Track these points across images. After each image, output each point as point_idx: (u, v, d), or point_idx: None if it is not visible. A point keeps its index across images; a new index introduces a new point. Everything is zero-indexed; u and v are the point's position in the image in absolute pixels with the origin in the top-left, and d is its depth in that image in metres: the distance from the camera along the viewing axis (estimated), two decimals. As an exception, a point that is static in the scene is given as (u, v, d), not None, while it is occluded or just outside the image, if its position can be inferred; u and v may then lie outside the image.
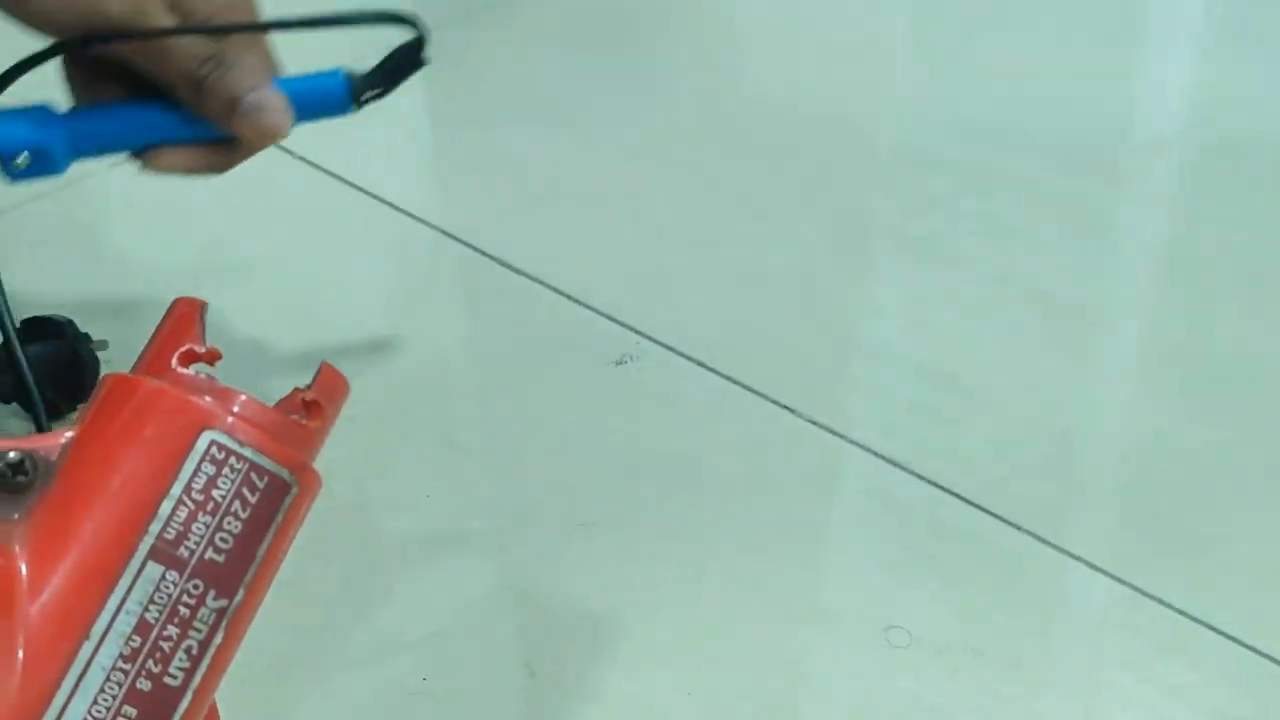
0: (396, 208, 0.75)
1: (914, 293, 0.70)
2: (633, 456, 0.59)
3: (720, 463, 0.59)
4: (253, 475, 0.35)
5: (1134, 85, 0.90)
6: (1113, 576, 0.54)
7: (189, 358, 0.36)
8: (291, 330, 0.66)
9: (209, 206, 0.74)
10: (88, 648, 0.33)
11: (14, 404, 0.58)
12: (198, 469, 0.34)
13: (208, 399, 0.35)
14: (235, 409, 0.35)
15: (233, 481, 0.35)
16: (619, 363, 0.64)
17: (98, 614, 0.33)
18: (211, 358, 0.36)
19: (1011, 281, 0.70)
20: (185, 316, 0.37)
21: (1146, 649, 0.51)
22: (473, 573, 0.55)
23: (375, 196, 0.76)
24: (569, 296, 0.68)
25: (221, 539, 0.34)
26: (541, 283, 0.69)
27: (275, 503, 0.35)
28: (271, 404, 0.36)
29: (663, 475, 0.58)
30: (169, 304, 0.38)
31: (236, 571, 0.35)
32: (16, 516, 0.34)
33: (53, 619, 0.33)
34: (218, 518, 0.34)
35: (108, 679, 0.33)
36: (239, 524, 0.35)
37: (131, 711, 0.34)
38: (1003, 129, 0.83)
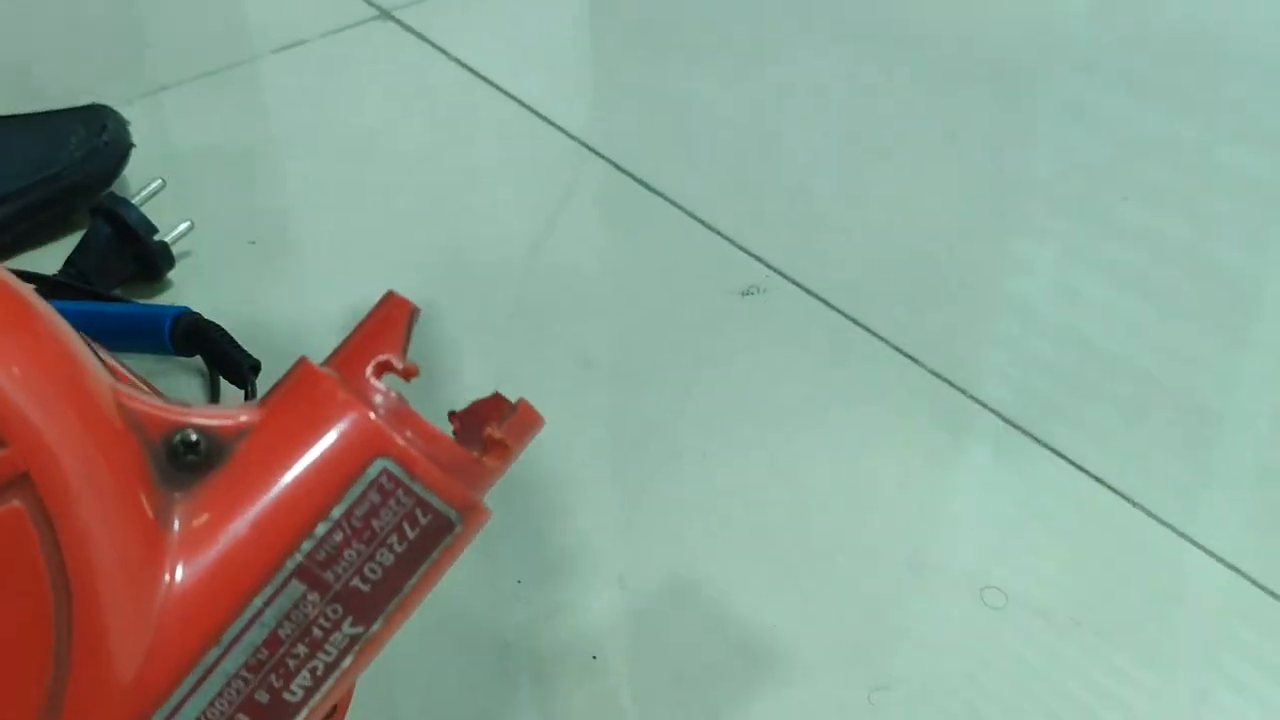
0: (548, 120, 0.75)
1: (1064, 254, 0.68)
2: (750, 388, 0.59)
3: (836, 404, 0.59)
4: (417, 511, 0.33)
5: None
6: (1234, 569, 0.52)
7: (384, 369, 0.34)
8: (430, 232, 0.67)
9: (361, 99, 0.76)
10: (215, 652, 0.32)
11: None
12: (363, 495, 0.33)
13: (391, 422, 0.33)
14: (415, 438, 0.34)
15: (395, 514, 0.33)
16: (745, 293, 0.64)
17: (232, 621, 0.32)
18: (408, 374, 0.34)
19: (1169, 251, 0.67)
20: (393, 320, 0.35)
21: (1261, 640, 0.50)
22: (573, 485, 0.55)
23: (527, 106, 0.76)
24: (703, 222, 0.68)
25: (371, 570, 0.33)
26: (679, 206, 0.69)
27: (434, 541, 0.34)
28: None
29: (778, 409, 0.58)
30: (380, 298, 0.36)
31: (379, 602, 0.34)
32: (177, 496, 0.33)
33: (187, 615, 0.32)
34: (372, 548, 0.33)
35: (228, 685, 0.33)
36: (392, 557, 0.33)
37: (244, 719, 0.33)
38: (1174, 86, 0.79)
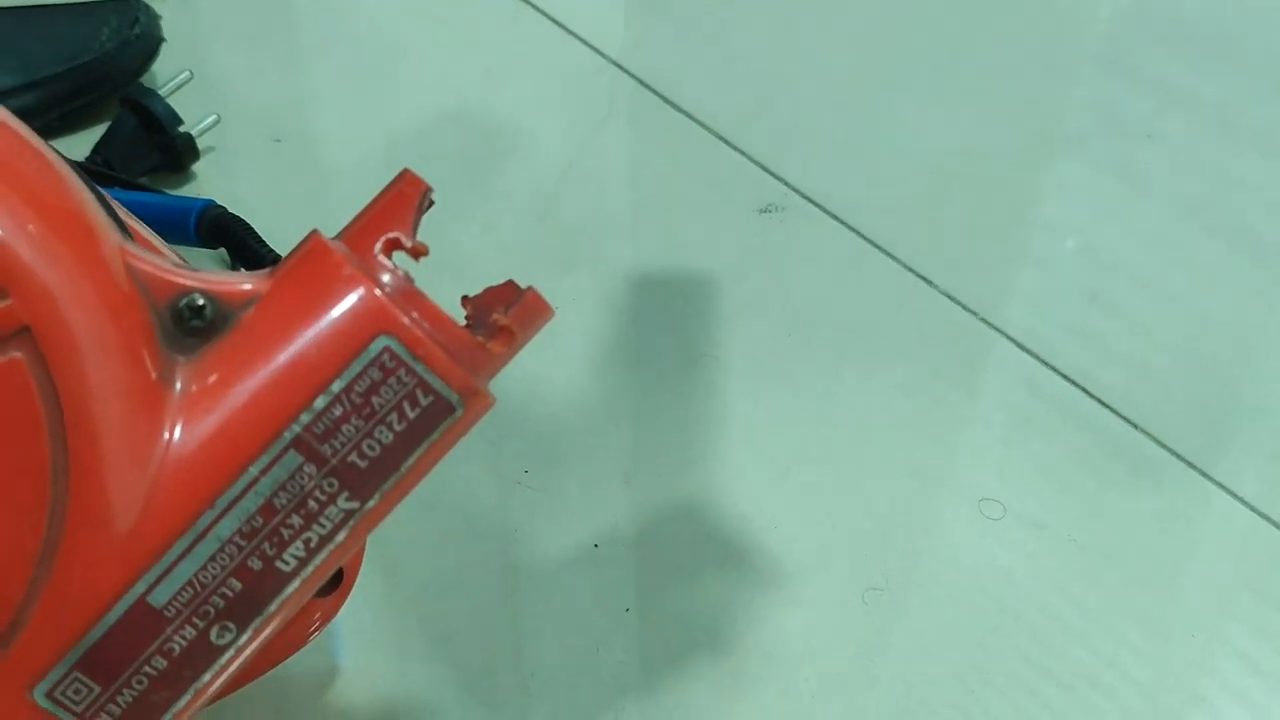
0: (576, 35, 0.75)
1: (1088, 198, 0.68)
2: (763, 302, 0.60)
3: (846, 318, 0.60)
4: (418, 392, 0.33)
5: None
6: (1245, 503, 0.53)
7: (392, 246, 0.34)
8: (458, 140, 0.68)
9: (394, 5, 0.76)
10: (209, 515, 0.33)
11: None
12: (364, 372, 0.33)
13: (396, 299, 0.33)
14: (420, 318, 0.33)
15: (396, 393, 0.33)
16: (764, 210, 0.64)
17: (228, 486, 0.33)
18: (416, 253, 0.34)
19: (1200, 214, 0.67)
20: (404, 198, 0.35)
21: (1271, 579, 0.50)
22: (588, 385, 0.56)
23: (560, 24, 0.76)
24: (726, 140, 0.68)
25: (369, 446, 0.33)
26: (703, 124, 0.69)
27: (433, 422, 0.34)
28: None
29: (790, 322, 0.59)
30: (397, 174, 0.36)
31: (376, 479, 0.34)
32: (181, 360, 0.33)
33: (183, 477, 0.32)
34: (370, 424, 0.33)
35: (222, 549, 0.33)
36: (391, 435, 0.33)
37: (236, 585, 0.33)
38: (1222, 45, 0.78)
